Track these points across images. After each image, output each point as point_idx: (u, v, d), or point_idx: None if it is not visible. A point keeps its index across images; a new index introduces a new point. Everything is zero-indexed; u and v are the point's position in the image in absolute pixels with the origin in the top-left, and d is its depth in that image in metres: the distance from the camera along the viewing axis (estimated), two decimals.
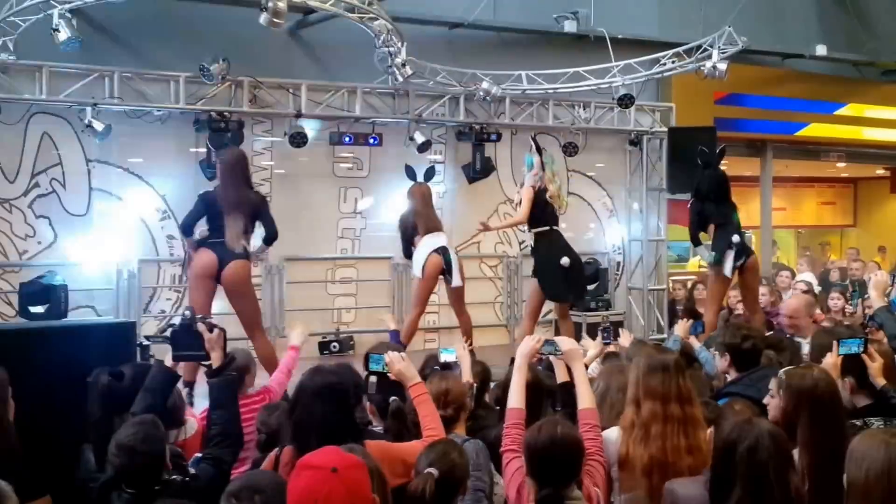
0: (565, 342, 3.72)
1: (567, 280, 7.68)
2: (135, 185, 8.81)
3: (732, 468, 2.55)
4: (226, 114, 8.67)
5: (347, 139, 9.39)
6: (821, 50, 12.60)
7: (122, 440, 3.03)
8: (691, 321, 5.91)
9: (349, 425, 3.10)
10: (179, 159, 8.89)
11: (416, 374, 3.59)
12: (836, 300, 8.09)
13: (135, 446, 3.00)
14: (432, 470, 2.80)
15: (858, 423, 3.62)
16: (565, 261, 7.57)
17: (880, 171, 16.86)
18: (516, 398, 3.45)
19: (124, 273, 8.68)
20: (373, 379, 3.66)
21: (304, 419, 3.11)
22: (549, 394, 3.96)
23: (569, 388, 3.80)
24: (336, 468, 2.24)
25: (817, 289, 9.86)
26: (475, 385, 4.13)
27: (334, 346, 9.36)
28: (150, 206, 8.87)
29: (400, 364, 3.56)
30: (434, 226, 7.75)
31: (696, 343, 5.48)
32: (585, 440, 3.22)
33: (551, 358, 3.87)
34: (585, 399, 3.49)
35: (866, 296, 7.23)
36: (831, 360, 3.80)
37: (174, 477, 3.11)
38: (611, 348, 5.17)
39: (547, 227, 7.67)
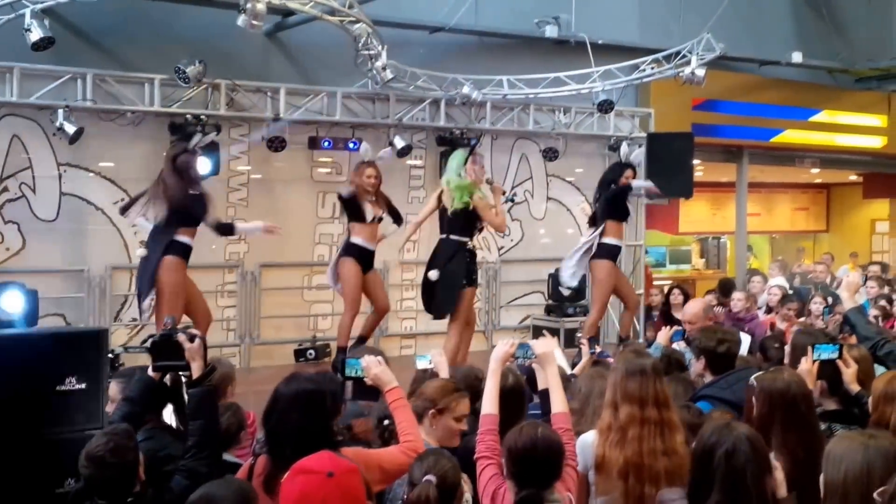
0: (539, 346, 3.72)
1: (431, 293, 7.44)
2: (107, 189, 8.62)
3: (710, 472, 2.57)
4: (202, 117, 8.51)
5: (326, 143, 9.28)
6: (796, 57, 12.76)
7: (92, 451, 2.97)
8: (672, 328, 5.89)
9: (325, 434, 3.04)
10: (154, 164, 8.63)
11: (393, 378, 3.54)
12: (818, 304, 8.10)
13: (104, 457, 2.94)
14: (431, 477, 2.80)
15: (824, 426, 3.65)
16: (432, 274, 7.31)
17: (853, 178, 17.08)
18: (490, 404, 3.44)
19: (95, 280, 8.49)
20: (349, 384, 3.66)
21: (279, 428, 3.08)
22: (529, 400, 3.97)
23: (548, 395, 3.78)
24: (332, 473, 2.26)
25: (789, 293, 9.92)
26: None
27: (310, 354, 9.24)
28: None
29: (377, 368, 3.52)
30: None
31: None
32: None
33: (534, 366, 3.85)
34: (558, 403, 3.50)
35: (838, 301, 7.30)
36: (806, 367, 3.83)
37: (150, 489, 3.06)
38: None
39: (443, 235, 7.47)
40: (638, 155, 8.50)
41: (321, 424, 3.07)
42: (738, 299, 8.34)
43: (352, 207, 7.67)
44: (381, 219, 7.77)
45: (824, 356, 3.87)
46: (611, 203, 8.44)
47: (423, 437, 3.38)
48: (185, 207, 6.68)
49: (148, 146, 8.67)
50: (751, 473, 2.54)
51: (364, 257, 7.68)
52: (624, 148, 8.76)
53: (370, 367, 3.53)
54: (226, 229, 7.25)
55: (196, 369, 3.42)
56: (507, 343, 3.72)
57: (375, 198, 7.72)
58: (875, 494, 2.32)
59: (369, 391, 3.62)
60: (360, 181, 7.64)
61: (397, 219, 8.01)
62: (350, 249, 7.66)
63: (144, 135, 8.61)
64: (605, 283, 8.40)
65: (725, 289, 10.00)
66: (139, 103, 8.42)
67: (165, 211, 6.67)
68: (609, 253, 8.41)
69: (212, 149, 8.33)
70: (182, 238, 6.75)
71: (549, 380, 3.60)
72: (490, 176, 7.90)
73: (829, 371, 3.87)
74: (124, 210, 7.25)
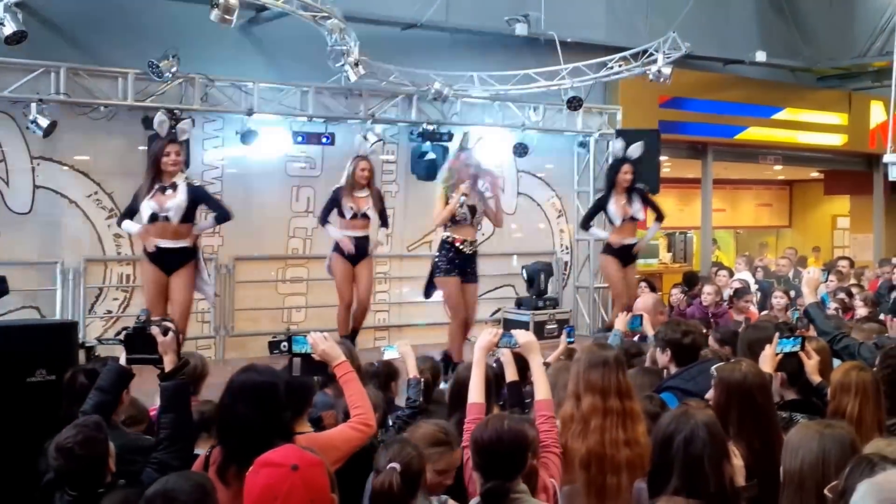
0: (522, 335, 3.74)
1: None
2: (81, 183, 8.64)
3: (669, 459, 2.58)
4: (176, 111, 8.55)
5: (300, 138, 9.34)
6: (760, 56, 13.00)
7: (62, 442, 2.97)
8: (629, 314, 6.04)
9: (275, 426, 3.03)
10: (128, 157, 8.70)
11: (340, 353, 3.54)
12: (779, 299, 8.34)
13: (73, 448, 2.94)
14: (395, 465, 2.83)
15: (784, 415, 3.71)
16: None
17: (814, 174, 17.40)
18: (476, 392, 3.47)
19: (69, 273, 8.51)
20: (297, 361, 3.60)
21: (228, 418, 3.11)
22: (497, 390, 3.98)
23: (517, 387, 3.89)
24: (297, 466, 2.22)
25: (754, 287, 10.20)
26: (422, 380, 4.16)
27: (284, 346, 9.25)
28: (96, 204, 8.70)
29: (324, 344, 3.52)
30: None
31: (649, 330, 5.55)
32: (541, 432, 3.26)
33: (502, 356, 3.92)
34: (542, 391, 3.51)
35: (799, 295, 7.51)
36: (769, 352, 3.90)
37: (120, 481, 3.05)
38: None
39: None
40: (635, 149, 8.54)
41: (271, 416, 3.07)
42: (707, 293, 8.52)
43: (334, 204, 7.77)
44: (364, 214, 7.78)
45: (787, 349, 3.93)
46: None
47: None
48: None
49: (121, 140, 8.72)
50: (709, 459, 2.55)
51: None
52: (618, 143, 8.72)
53: (317, 342, 3.51)
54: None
55: (169, 363, 3.38)
56: (491, 332, 3.73)
57: (368, 192, 7.80)
58: (826, 490, 2.34)
59: (317, 367, 3.59)
60: (353, 173, 7.72)
61: (384, 221, 8.10)
62: (336, 244, 7.80)
63: (118, 129, 8.63)
64: (609, 277, 8.78)
65: (690, 282, 10.27)
66: (113, 97, 8.45)
67: None
68: (610, 250, 8.68)
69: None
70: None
71: (533, 368, 3.62)
72: (475, 170, 7.65)
73: (791, 364, 3.92)
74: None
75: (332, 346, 3.53)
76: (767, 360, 3.86)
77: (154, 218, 6.60)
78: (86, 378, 3.78)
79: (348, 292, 7.85)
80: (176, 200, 6.60)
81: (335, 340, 3.64)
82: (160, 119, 6.85)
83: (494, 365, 4.07)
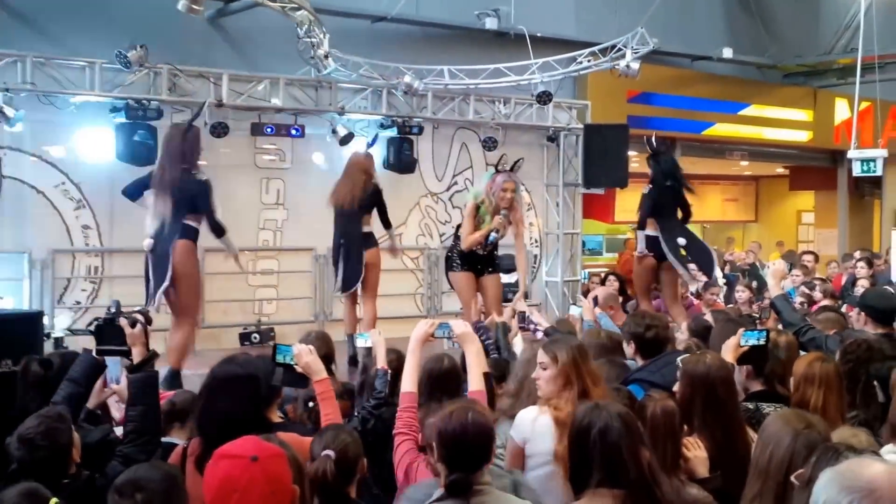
0: (458, 325, 3.77)
1: None
2: (48, 173, 8.58)
3: (588, 453, 2.61)
4: (144, 102, 8.51)
5: (269, 129, 9.32)
6: (727, 53, 13.15)
7: (23, 433, 2.95)
8: (593, 302, 6.12)
9: (255, 418, 3.05)
10: (96, 148, 8.68)
11: (322, 368, 3.57)
12: (741, 292, 8.49)
13: (34, 439, 2.92)
14: (329, 452, 2.85)
15: (751, 405, 3.79)
16: None
17: (780, 170, 17.65)
18: (409, 382, 3.49)
19: (37, 264, 8.46)
20: (279, 371, 3.60)
21: (208, 409, 3.12)
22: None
23: (486, 377, 3.86)
24: (256, 457, 2.17)
25: (721, 281, 10.35)
26: (389, 372, 4.16)
27: (255, 338, 9.33)
28: (64, 195, 8.65)
29: (308, 357, 3.52)
30: None
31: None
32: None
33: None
34: (475, 381, 3.56)
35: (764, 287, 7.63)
36: (732, 343, 3.96)
37: (85, 473, 3.04)
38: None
39: None
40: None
41: (250, 408, 3.09)
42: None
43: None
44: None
45: (752, 341, 3.97)
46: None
47: None
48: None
49: (89, 130, 8.67)
50: (626, 448, 2.57)
51: None
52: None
53: (301, 354, 3.52)
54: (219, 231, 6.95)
55: (137, 354, 3.37)
56: (427, 323, 3.76)
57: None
58: (792, 477, 2.36)
59: (298, 378, 3.61)
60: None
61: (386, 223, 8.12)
62: None
63: (85, 119, 8.58)
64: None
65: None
66: (80, 87, 8.39)
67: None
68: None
69: (151, 133, 8.33)
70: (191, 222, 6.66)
71: (469, 358, 3.65)
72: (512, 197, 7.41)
73: (755, 356, 3.98)
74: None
75: (316, 360, 3.54)
76: (730, 350, 3.92)
77: None
78: (40, 367, 3.76)
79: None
80: None
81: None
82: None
83: (456, 346, 4.05)
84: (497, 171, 7.46)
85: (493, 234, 7.30)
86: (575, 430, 2.70)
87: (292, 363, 3.56)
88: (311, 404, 3.80)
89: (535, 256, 11.81)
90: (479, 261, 7.52)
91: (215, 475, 2.19)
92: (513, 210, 7.39)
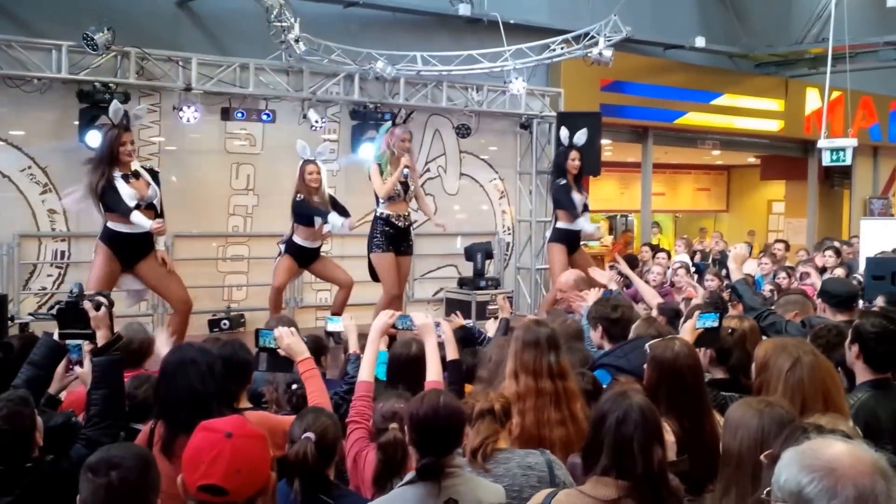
0: (419, 317, 3.81)
1: None
2: (14, 157, 8.44)
3: (601, 437, 2.61)
4: (111, 85, 8.39)
5: (239, 114, 9.22)
6: (700, 42, 13.22)
7: None
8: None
9: (218, 397, 3.10)
10: (62, 132, 8.53)
11: (305, 349, 3.60)
12: (710, 281, 8.52)
13: None
14: (310, 434, 2.86)
15: (712, 394, 3.72)
16: None
17: (751, 160, 17.80)
18: (367, 371, 3.53)
19: (3, 249, 8.33)
20: (263, 356, 3.62)
21: (169, 393, 3.17)
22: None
23: (457, 364, 3.94)
24: (231, 433, 2.21)
25: (692, 269, 10.40)
26: (361, 357, 4.18)
27: (224, 324, 9.26)
28: (30, 179, 8.52)
29: (289, 339, 3.57)
30: None
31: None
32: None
33: (443, 335, 3.92)
34: (432, 372, 3.60)
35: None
36: (688, 325, 3.98)
37: (48, 456, 3.00)
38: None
39: None
40: (580, 136, 8.87)
41: (211, 387, 3.14)
42: (657, 273, 8.71)
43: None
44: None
45: (708, 324, 3.99)
46: (554, 202, 9.16)
47: None
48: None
49: (55, 113, 8.54)
50: (638, 442, 2.54)
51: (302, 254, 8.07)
52: (563, 131, 9.08)
53: (282, 337, 3.58)
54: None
55: (101, 338, 3.34)
56: (388, 314, 3.81)
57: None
58: (762, 456, 2.36)
59: (283, 362, 3.65)
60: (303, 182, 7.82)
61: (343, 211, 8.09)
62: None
63: (52, 102, 8.44)
64: (556, 263, 8.86)
65: (630, 264, 10.42)
66: (46, 70, 8.25)
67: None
68: (559, 237, 8.91)
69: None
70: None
71: (427, 351, 3.68)
72: (409, 146, 7.95)
73: (709, 339, 3.98)
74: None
75: (297, 342, 3.58)
76: (687, 332, 3.95)
77: (137, 206, 6.66)
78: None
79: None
80: (153, 187, 6.81)
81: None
82: (115, 108, 6.86)
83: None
84: (394, 125, 8.34)
85: (405, 171, 7.65)
86: (596, 412, 2.70)
87: (274, 346, 3.59)
88: (294, 386, 3.78)
89: (508, 244, 11.82)
90: (400, 237, 7.83)
91: (191, 444, 2.25)
92: (409, 154, 7.93)
